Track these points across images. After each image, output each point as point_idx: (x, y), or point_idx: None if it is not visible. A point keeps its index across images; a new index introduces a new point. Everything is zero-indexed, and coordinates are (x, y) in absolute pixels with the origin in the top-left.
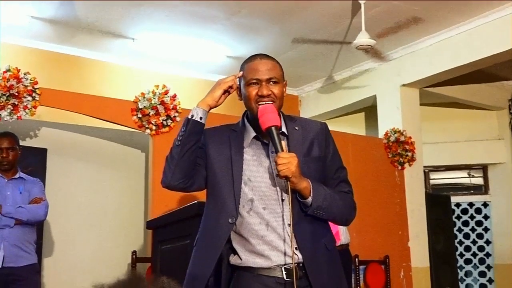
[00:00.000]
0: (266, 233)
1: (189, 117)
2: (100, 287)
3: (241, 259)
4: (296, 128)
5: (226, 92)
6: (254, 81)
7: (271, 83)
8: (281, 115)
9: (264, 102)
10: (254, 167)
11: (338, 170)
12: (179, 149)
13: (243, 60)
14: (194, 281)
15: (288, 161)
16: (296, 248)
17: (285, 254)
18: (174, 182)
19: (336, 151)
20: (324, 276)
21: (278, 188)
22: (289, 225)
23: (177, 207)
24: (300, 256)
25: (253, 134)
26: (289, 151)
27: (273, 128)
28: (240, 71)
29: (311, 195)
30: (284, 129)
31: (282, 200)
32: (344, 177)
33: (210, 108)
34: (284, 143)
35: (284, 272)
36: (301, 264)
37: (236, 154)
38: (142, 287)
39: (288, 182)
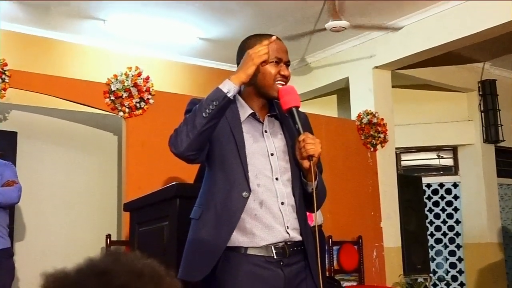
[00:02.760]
0: (260, 211)
1: (225, 92)
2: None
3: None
4: (286, 114)
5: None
6: (277, 60)
7: (286, 65)
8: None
9: (282, 83)
10: (250, 144)
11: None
12: (204, 121)
13: (215, 42)
14: (205, 252)
15: (315, 141)
16: (287, 227)
17: (277, 233)
18: (188, 152)
19: None
20: (313, 257)
21: (272, 167)
22: (282, 203)
23: (151, 189)
24: (291, 234)
25: (250, 111)
26: (284, 134)
27: (294, 108)
28: (250, 46)
29: (318, 178)
30: (277, 113)
31: (276, 179)
32: (322, 168)
33: (242, 85)
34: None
35: (274, 251)
36: (288, 243)
37: (235, 128)
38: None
39: (311, 161)
